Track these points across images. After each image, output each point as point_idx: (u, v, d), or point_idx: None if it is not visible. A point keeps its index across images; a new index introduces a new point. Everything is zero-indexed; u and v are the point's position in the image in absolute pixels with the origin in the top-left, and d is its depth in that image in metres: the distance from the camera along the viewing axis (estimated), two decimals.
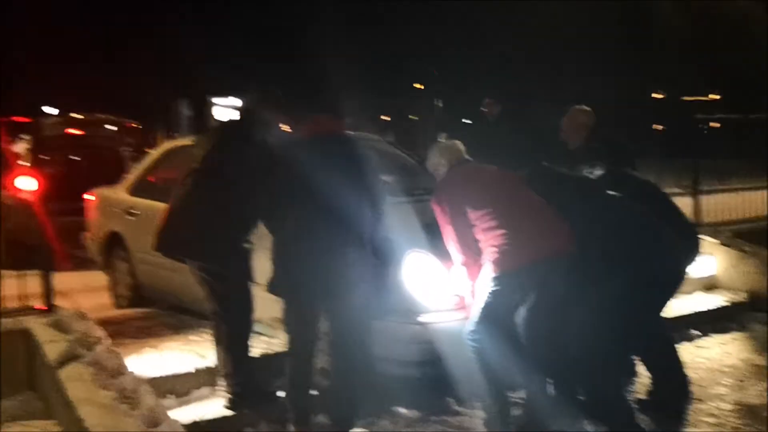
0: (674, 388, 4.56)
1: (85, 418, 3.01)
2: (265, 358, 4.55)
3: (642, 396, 4.53)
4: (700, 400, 4.62)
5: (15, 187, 9.49)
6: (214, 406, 4.25)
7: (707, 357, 5.51)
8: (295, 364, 3.87)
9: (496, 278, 3.66)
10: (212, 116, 18.32)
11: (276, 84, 4.54)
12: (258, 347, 4.69)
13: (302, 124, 3.93)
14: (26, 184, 9.52)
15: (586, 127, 4.99)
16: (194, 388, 4.41)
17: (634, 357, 4.63)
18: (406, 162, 5.87)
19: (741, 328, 6.23)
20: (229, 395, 4.18)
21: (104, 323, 5.68)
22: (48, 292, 4.37)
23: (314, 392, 4.18)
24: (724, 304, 6.51)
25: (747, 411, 4.43)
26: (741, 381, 4.97)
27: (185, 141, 6.10)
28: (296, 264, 3.69)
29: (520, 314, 3.92)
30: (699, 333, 5.97)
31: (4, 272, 4.80)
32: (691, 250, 4.48)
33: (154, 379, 4.32)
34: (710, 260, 6.94)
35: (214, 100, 18.71)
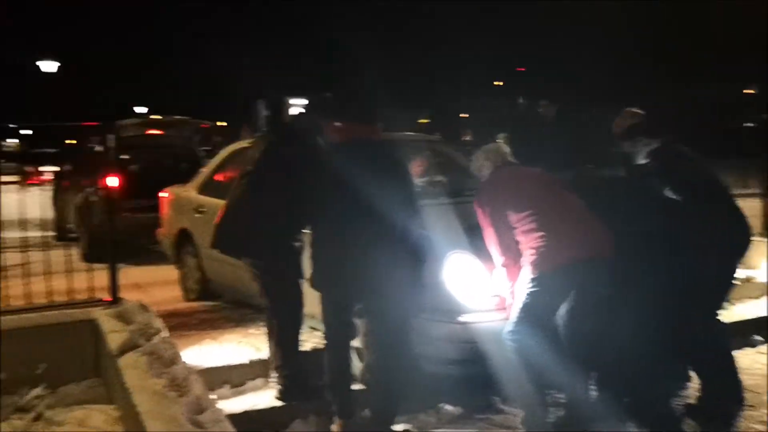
0: (726, 393, 4.50)
1: (137, 403, 3.24)
2: (317, 352, 4.73)
3: (692, 401, 4.49)
4: (752, 406, 4.53)
5: (98, 185, 10.03)
6: (266, 397, 4.46)
7: (765, 363, 5.38)
8: (331, 358, 4.04)
9: (534, 279, 3.72)
10: (288, 115, 18.80)
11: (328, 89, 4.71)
12: (310, 342, 4.89)
13: (341, 130, 4.09)
14: (108, 182, 10.06)
15: (637, 129, 4.95)
16: (249, 379, 4.64)
17: (685, 360, 4.59)
18: (460, 163, 5.94)
19: None
20: (280, 387, 4.38)
21: (172, 315, 6.06)
22: (114, 285, 4.64)
23: (360, 387, 4.36)
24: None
25: None
26: None
27: (248, 142, 6.34)
28: (331, 261, 3.86)
29: (561, 315, 3.97)
30: (762, 339, 5.82)
31: (76, 266, 5.11)
32: (741, 251, 4.41)
33: (211, 368, 4.59)
34: None
35: (291, 100, 19.16)
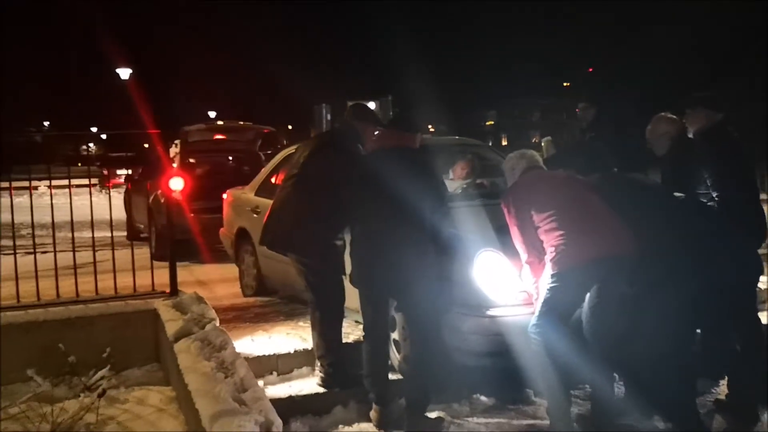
0: (753, 391, 4.61)
1: (188, 383, 3.60)
2: (359, 344, 5.02)
3: (722, 396, 4.61)
4: None
5: (166, 187, 10.58)
6: (310, 384, 4.78)
7: None
8: (369, 349, 4.34)
9: (554, 276, 3.94)
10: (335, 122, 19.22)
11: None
12: (354, 334, 5.20)
13: (384, 137, 4.39)
14: (175, 184, 10.60)
15: (669, 135, 5.08)
16: (296, 367, 4.97)
17: (717, 359, 4.71)
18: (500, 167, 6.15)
19: None
20: (322, 375, 4.70)
21: (229, 309, 6.46)
22: (174, 279, 5.04)
23: (397, 377, 4.64)
24: None
25: None
26: None
27: (295, 147, 6.70)
28: (367, 259, 4.18)
29: (585, 311, 4.17)
30: None
31: (144, 263, 5.55)
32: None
33: (261, 357, 4.94)
34: None
35: (351, 103, 19.58)
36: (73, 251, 4.99)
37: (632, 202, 4.22)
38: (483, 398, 4.77)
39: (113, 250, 5.26)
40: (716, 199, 4.57)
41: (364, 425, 4.40)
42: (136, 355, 4.60)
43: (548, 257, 3.98)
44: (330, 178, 4.55)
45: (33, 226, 5.57)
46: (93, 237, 5.18)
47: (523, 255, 4.16)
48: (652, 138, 5.20)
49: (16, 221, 5.58)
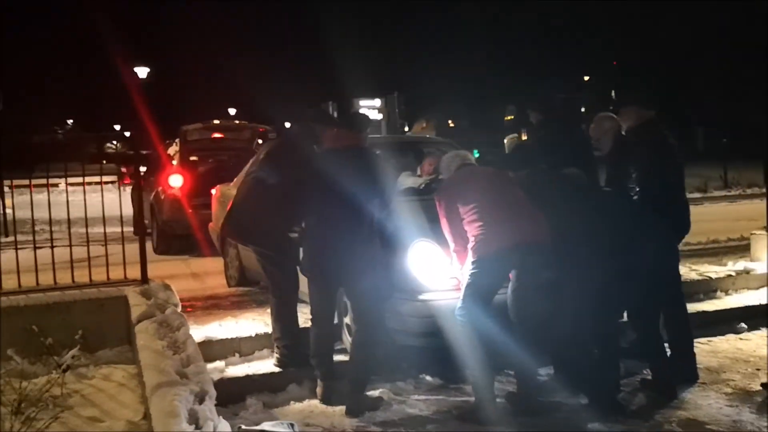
0: (677, 370, 4.97)
1: (141, 359, 4.04)
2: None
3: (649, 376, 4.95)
4: (704, 383, 4.98)
5: (167, 184, 11.07)
6: (268, 364, 5.21)
7: (741, 348, 5.75)
8: (316, 332, 4.76)
9: (474, 263, 4.33)
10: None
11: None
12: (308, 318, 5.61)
13: (333, 137, 4.80)
14: (175, 181, 11.07)
15: (611, 133, 5.41)
16: (257, 350, 5.40)
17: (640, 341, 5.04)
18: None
19: None
20: (278, 356, 5.12)
21: (209, 297, 6.92)
22: (144, 268, 5.48)
23: (344, 358, 5.05)
24: None
25: (743, 396, 4.73)
26: (757, 370, 5.21)
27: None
28: (318, 250, 4.59)
29: (508, 295, 4.55)
30: (746, 326, 6.17)
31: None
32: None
33: (224, 339, 5.38)
34: None
35: (359, 101, 19.95)
36: (51, 246, 5.44)
37: (554, 194, 4.60)
38: (428, 378, 5.16)
39: (88, 242, 5.73)
40: (639, 192, 4.91)
41: (314, 401, 4.81)
42: (109, 337, 5.04)
43: (470, 246, 4.37)
44: (285, 176, 4.97)
45: (33, 222, 6.06)
46: (69, 231, 5.64)
47: (451, 244, 4.55)
48: (595, 136, 5.55)
49: (42, 217, 6.08)
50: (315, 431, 4.38)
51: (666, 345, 5.00)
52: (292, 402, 4.85)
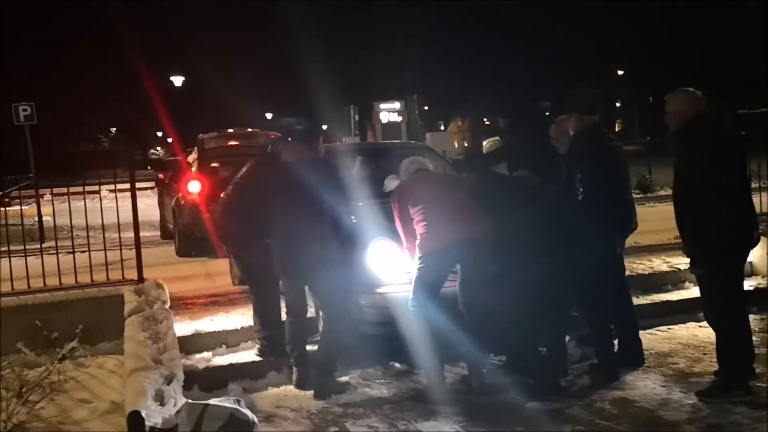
0: (623, 356, 5.37)
1: (125, 348, 4.61)
2: None
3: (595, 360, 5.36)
4: (649, 367, 5.37)
5: (186, 190, 11.71)
6: (251, 354, 5.74)
7: (696, 335, 6.10)
8: (290, 322, 5.27)
9: (420, 258, 4.81)
10: (377, 118, 20.16)
11: None
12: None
13: (293, 150, 5.32)
14: (194, 187, 11.71)
15: (568, 135, 5.79)
16: (242, 341, 5.92)
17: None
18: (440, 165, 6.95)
19: (761, 311, 6.65)
20: (258, 347, 5.65)
21: (210, 296, 7.47)
22: (140, 268, 6.06)
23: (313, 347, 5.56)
24: (749, 288, 6.88)
25: (680, 378, 5.10)
26: (703, 355, 5.57)
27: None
28: (284, 252, 5.11)
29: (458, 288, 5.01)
30: None
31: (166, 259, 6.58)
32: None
33: (212, 332, 5.92)
34: None
35: (380, 105, 20.49)
36: (56, 252, 6.05)
37: (500, 195, 5.04)
38: (397, 365, 5.64)
39: (89, 246, 6.35)
40: (582, 193, 5.30)
41: (290, 387, 5.33)
42: (108, 330, 5.63)
43: (417, 243, 4.84)
44: (262, 187, 5.49)
45: (41, 228, 6.68)
46: (72, 236, 6.23)
47: (404, 242, 5.03)
48: (554, 136, 5.93)
49: (65, 223, 6.72)
50: (283, 413, 4.89)
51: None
52: (270, 387, 5.36)
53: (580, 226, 4.97)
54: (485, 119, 54.55)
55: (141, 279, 6.00)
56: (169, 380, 4.11)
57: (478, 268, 4.90)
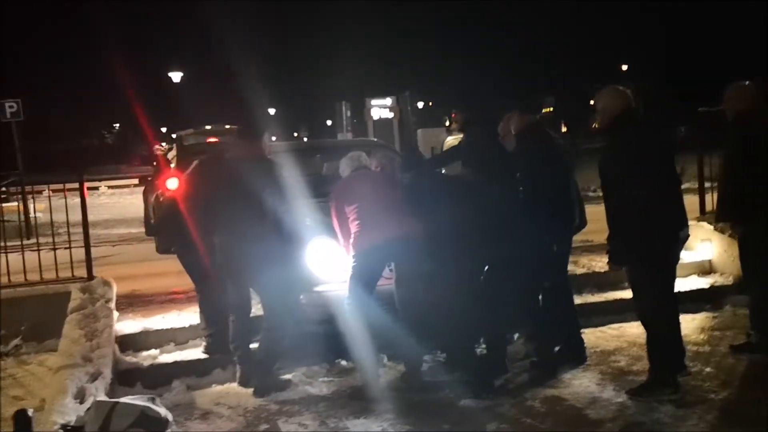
0: (565, 354, 5.39)
1: (59, 345, 4.66)
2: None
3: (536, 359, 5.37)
4: (589, 365, 5.38)
5: (165, 187, 11.76)
6: (198, 351, 5.78)
7: (645, 333, 6.07)
8: (234, 322, 5.30)
9: (353, 257, 4.84)
10: (369, 115, 20.16)
11: None
12: None
13: (237, 148, 5.34)
14: (172, 184, 11.76)
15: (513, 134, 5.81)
16: (191, 339, 5.97)
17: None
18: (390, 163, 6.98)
19: (715, 309, 6.65)
20: (205, 344, 5.69)
21: (173, 293, 7.50)
22: (89, 266, 6.10)
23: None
24: (704, 286, 6.91)
25: (616, 376, 5.11)
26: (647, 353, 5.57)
27: None
28: (225, 251, 5.13)
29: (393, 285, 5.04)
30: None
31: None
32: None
33: (160, 330, 5.97)
34: (707, 246, 7.34)
35: (372, 101, 20.46)
36: (5, 250, 6.09)
37: (435, 194, 5.06)
38: (343, 362, 5.66)
39: (38, 245, 6.38)
40: (522, 191, 5.32)
41: (234, 384, 5.36)
42: (56, 328, 5.64)
43: (350, 241, 4.87)
44: (205, 184, 5.51)
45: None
46: (21, 234, 6.27)
47: (341, 241, 5.06)
48: (502, 133, 5.93)
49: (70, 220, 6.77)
50: (220, 410, 4.93)
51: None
52: (213, 384, 5.41)
53: (516, 224, 4.98)
54: None
55: (90, 277, 6.04)
56: (94, 378, 4.15)
57: (412, 265, 4.92)
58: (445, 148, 7.41)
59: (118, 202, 26.45)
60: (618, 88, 4.72)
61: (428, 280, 4.98)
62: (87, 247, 6.10)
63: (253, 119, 5.88)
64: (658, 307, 4.62)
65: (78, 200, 6.59)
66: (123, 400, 3.71)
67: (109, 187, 34.35)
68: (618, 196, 4.49)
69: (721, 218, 5.90)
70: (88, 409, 3.60)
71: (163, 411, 3.83)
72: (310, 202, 5.47)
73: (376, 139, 8.16)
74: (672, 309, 4.72)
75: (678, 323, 4.77)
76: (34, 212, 14.03)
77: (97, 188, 34.81)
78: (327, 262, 5.24)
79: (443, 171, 7.01)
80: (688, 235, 4.77)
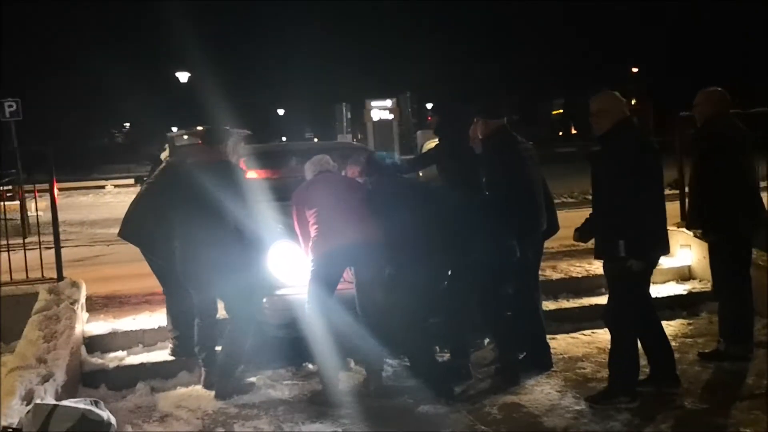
0: (530, 359, 5.35)
1: (18, 346, 4.66)
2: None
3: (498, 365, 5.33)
4: (555, 371, 5.34)
5: None
6: (165, 354, 5.77)
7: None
8: (199, 324, 5.29)
9: (312, 261, 4.81)
10: (369, 116, 20.15)
11: None
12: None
13: (197, 152, 5.33)
14: None
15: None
16: (159, 341, 5.97)
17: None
18: None
19: (691, 315, 6.59)
20: (171, 346, 5.69)
21: (149, 295, 7.48)
22: (59, 267, 6.11)
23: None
24: (682, 292, 6.84)
25: (579, 383, 5.07)
26: None
27: None
28: (185, 255, 5.11)
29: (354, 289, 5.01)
30: None
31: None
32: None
33: (129, 331, 5.97)
34: (686, 252, 7.27)
35: (372, 102, 20.45)
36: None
37: (396, 198, 5.03)
38: (310, 366, 5.64)
39: (8, 245, 6.40)
40: (487, 195, 5.28)
41: (198, 387, 5.35)
42: (23, 329, 5.68)
43: (310, 245, 4.85)
44: (168, 188, 5.50)
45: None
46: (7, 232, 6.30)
47: (301, 244, 5.04)
48: (472, 137, 5.88)
49: (70, 219, 6.78)
50: (179, 413, 4.92)
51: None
52: (178, 387, 5.40)
53: (478, 229, 4.95)
54: None
55: (60, 278, 6.05)
56: (45, 380, 4.15)
57: (371, 270, 4.90)
58: (423, 151, 7.37)
59: (122, 201, 26.55)
60: (615, 93, 4.66)
61: (388, 285, 4.95)
62: (57, 248, 6.10)
63: (217, 123, 5.86)
64: (628, 315, 4.57)
65: (81, 199, 6.62)
66: (64, 403, 3.71)
67: (115, 186, 34.57)
68: (612, 199, 4.43)
69: (692, 225, 5.86)
70: (28, 411, 3.59)
71: (105, 414, 3.82)
72: (274, 205, 5.45)
73: (355, 142, 8.10)
74: (640, 315, 4.65)
75: (658, 331, 4.72)
76: (36, 211, 14.14)
77: (103, 187, 35.10)
78: (288, 265, 5.21)
79: (420, 174, 7.01)
80: (668, 248, 4.71)
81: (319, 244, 4.77)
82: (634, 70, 62.37)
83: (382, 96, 20.33)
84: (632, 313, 4.64)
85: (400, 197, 5.03)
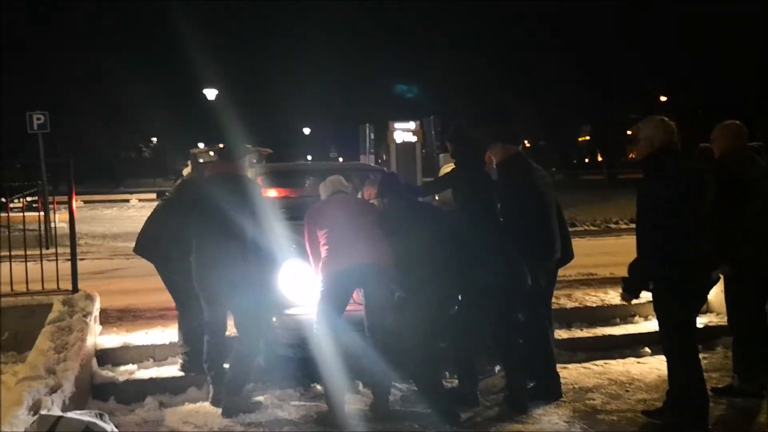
0: (540, 388, 5.30)
1: (29, 356, 4.71)
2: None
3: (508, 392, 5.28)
4: (564, 401, 5.28)
5: None
6: (175, 369, 5.80)
7: (630, 371, 5.96)
8: (208, 340, 5.31)
9: (322, 281, 4.82)
10: (392, 138, 20.18)
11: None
12: None
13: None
14: None
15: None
16: (170, 356, 6.00)
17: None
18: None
19: (707, 349, 6.49)
20: (181, 362, 5.72)
21: (164, 309, 7.53)
22: (75, 279, 6.18)
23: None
24: (699, 326, 6.67)
25: (588, 414, 5.01)
26: (625, 392, 5.45)
27: None
28: (200, 270, 5.15)
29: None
30: (650, 351, 6.36)
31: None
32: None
33: (140, 346, 6.01)
34: None
35: (395, 124, 20.49)
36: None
37: (407, 221, 5.04)
38: (318, 387, 5.63)
39: (9, 252, 6.46)
40: (501, 221, 5.27)
41: (206, 403, 5.36)
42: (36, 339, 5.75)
43: (320, 266, 4.86)
44: (184, 203, 5.56)
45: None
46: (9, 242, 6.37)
47: (312, 264, 5.06)
48: (487, 164, 5.90)
49: (92, 231, 6.89)
50: (185, 428, 4.93)
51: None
52: (186, 403, 5.41)
53: (490, 255, 4.94)
54: (525, 141, 54.45)
55: (75, 289, 6.12)
56: (53, 390, 4.18)
57: (380, 292, 4.90)
58: (440, 174, 7.38)
59: (145, 215, 26.78)
60: (664, 118, 4.62)
61: (397, 307, 4.95)
62: (73, 260, 6.17)
63: (235, 139, 5.90)
64: (679, 348, 4.54)
65: (106, 212, 6.71)
66: (68, 414, 3.73)
67: (140, 200, 34.95)
68: (655, 227, 4.38)
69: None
70: (33, 422, 3.62)
71: (109, 428, 3.84)
72: (288, 224, 5.48)
73: (371, 164, 8.14)
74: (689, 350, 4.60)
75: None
76: (55, 222, 14.33)
77: (127, 200, 35.53)
78: (299, 284, 5.23)
79: (436, 198, 7.01)
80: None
81: (329, 264, 4.78)
82: (663, 99, 62.18)
83: (406, 118, 20.40)
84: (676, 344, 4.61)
85: (412, 220, 5.04)
